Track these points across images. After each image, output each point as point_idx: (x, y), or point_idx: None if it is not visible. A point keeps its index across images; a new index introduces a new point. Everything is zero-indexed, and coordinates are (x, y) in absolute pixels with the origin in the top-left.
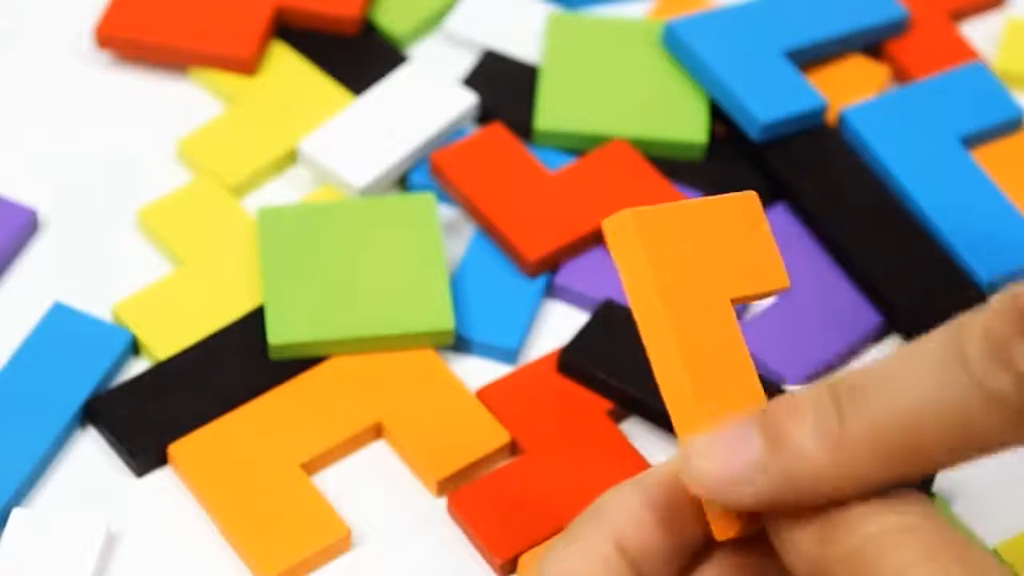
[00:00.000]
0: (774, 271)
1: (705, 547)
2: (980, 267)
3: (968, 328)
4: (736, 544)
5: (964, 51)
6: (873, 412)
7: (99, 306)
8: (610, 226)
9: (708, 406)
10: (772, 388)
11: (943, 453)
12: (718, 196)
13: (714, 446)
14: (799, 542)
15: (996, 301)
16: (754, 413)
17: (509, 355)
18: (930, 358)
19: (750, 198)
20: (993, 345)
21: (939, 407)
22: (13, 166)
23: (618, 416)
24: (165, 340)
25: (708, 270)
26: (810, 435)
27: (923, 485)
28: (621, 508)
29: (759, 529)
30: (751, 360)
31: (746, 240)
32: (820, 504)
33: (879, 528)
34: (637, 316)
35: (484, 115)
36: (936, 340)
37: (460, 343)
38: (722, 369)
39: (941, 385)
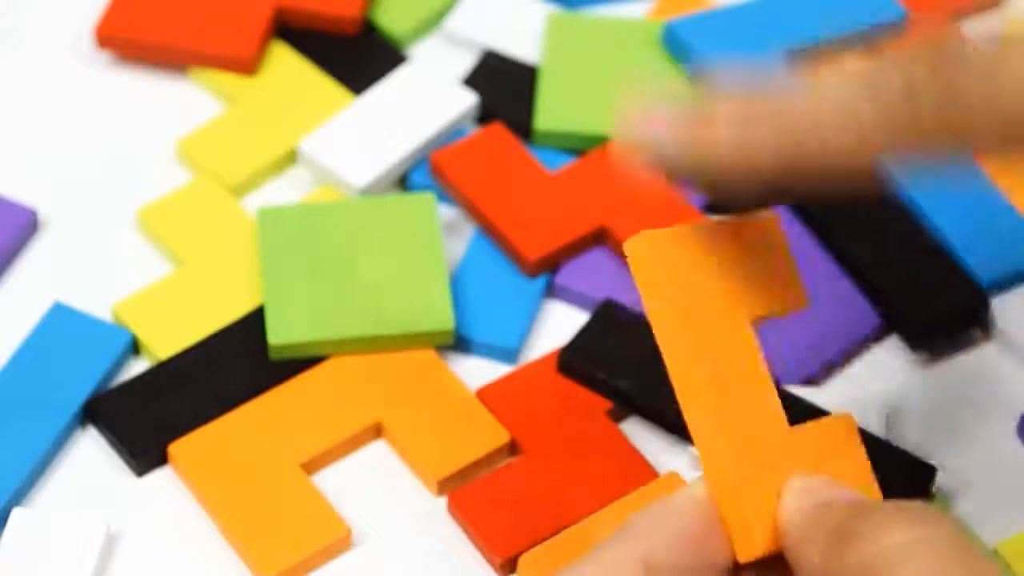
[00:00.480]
0: (794, 291)
1: (731, 572)
2: (980, 267)
3: (885, 53)
4: (760, 569)
5: None
6: (779, 112)
7: (99, 306)
8: (631, 246)
9: (729, 424)
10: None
11: (830, 155)
12: (740, 217)
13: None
14: (811, 555)
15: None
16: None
17: (509, 355)
18: (840, 76)
19: (772, 221)
20: (896, 59)
21: (835, 108)
22: (13, 166)
23: (618, 416)
24: (165, 340)
25: (728, 290)
26: (725, 119)
27: (922, 486)
28: (651, 528)
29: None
30: (770, 379)
31: (766, 260)
32: (720, 177)
33: (890, 542)
34: (657, 334)
35: (484, 115)
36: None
37: (460, 343)
38: (741, 389)
39: (843, 92)
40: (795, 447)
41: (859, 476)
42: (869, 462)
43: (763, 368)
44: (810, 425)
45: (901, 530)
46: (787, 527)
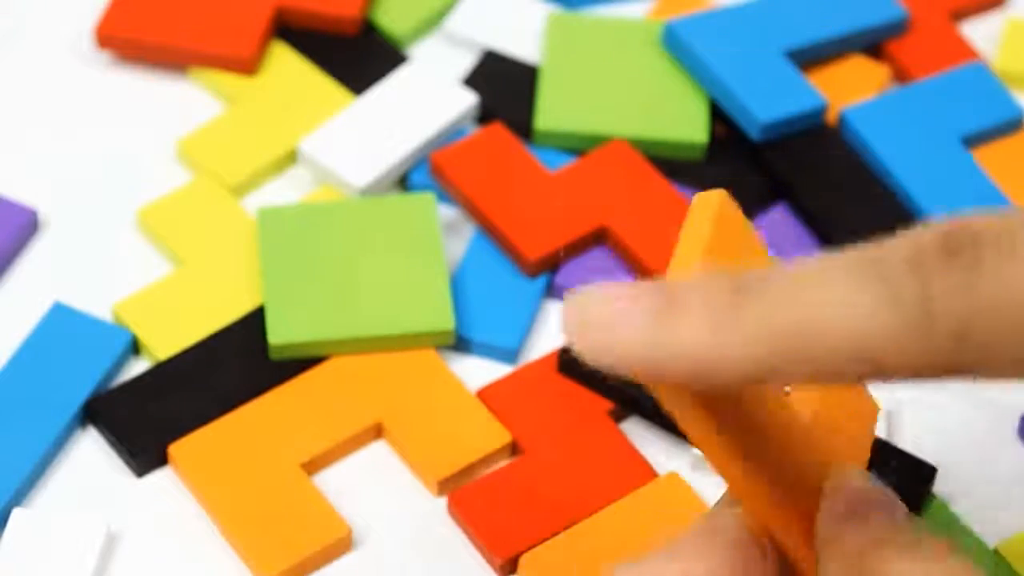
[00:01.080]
0: (762, 254)
1: None
2: None
3: (892, 245)
4: None
5: (964, 51)
6: (772, 306)
7: (99, 306)
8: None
9: (763, 470)
10: None
11: (833, 362)
12: (698, 219)
13: (602, 290)
14: (834, 570)
15: (924, 227)
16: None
17: (509, 355)
18: (845, 266)
19: (722, 201)
20: (917, 263)
21: (843, 317)
22: (13, 166)
23: (618, 416)
24: (165, 340)
25: None
26: (700, 309)
27: (923, 485)
28: (697, 551)
29: None
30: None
31: (743, 249)
32: (694, 379)
33: (900, 571)
34: (708, 452)
35: (484, 115)
36: (852, 253)
37: (460, 343)
38: (763, 427)
39: (850, 293)
40: (813, 437)
41: (860, 409)
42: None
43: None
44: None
45: (911, 560)
46: (821, 537)
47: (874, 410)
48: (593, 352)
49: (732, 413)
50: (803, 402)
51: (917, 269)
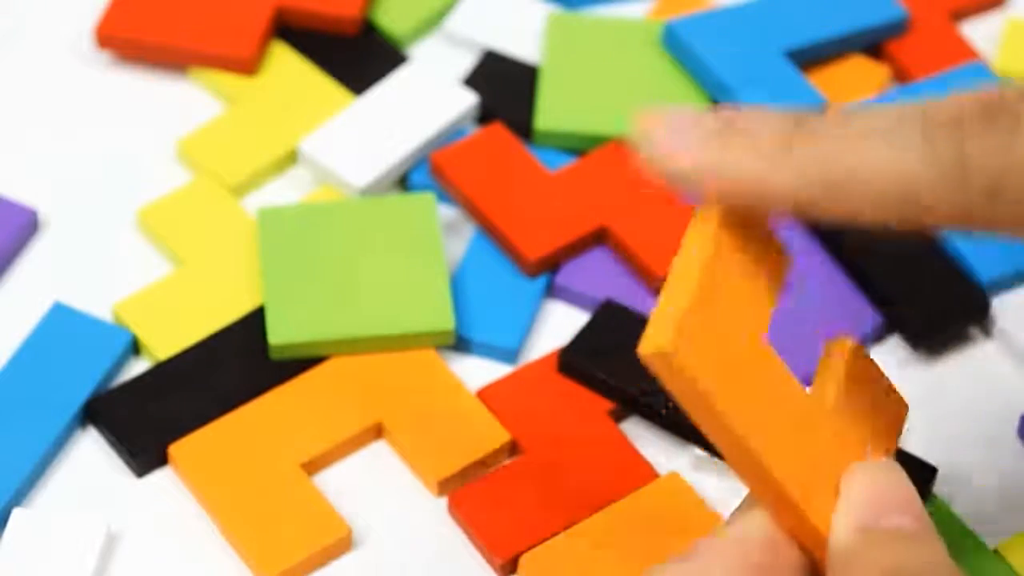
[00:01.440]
0: (781, 259)
1: None
2: (980, 267)
3: (937, 105)
4: None
5: (964, 51)
6: (823, 145)
7: (99, 306)
8: (654, 362)
9: (787, 465)
10: None
11: (872, 204)
12: (704, 220)
13: (668, 110)
14: None
15: (966, 92)
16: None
17: (509, 355)
18: (892, 120)
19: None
20: (957, 124)
21: (885, 165)
22: (13, 166)
23: (618, 416)
24: (165, 340)
25: (737, 325)
26: (759, 134)
27: (923, 486)
28: (716, 558)
29: None
30: (792, 377)
31: (756, 241)
32: (742, 198)
33: None
34: (703, 422)
35: (484, 115)
36: (900, 108)
37: (460, 343)
38: (780, 416)
39: (893, 146)
40: (835, 432)
41: (888, 405)
42: (887, 378)
43: (785, 371)
44: (828, 383)
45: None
46: (833, 553)
47: (902, 408)
48: (655, 156)
49: (751, 400)
50: (825, 395)
51: (956, 130)
